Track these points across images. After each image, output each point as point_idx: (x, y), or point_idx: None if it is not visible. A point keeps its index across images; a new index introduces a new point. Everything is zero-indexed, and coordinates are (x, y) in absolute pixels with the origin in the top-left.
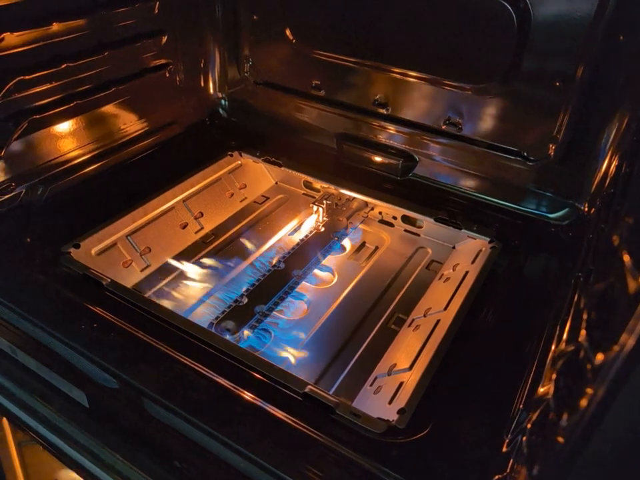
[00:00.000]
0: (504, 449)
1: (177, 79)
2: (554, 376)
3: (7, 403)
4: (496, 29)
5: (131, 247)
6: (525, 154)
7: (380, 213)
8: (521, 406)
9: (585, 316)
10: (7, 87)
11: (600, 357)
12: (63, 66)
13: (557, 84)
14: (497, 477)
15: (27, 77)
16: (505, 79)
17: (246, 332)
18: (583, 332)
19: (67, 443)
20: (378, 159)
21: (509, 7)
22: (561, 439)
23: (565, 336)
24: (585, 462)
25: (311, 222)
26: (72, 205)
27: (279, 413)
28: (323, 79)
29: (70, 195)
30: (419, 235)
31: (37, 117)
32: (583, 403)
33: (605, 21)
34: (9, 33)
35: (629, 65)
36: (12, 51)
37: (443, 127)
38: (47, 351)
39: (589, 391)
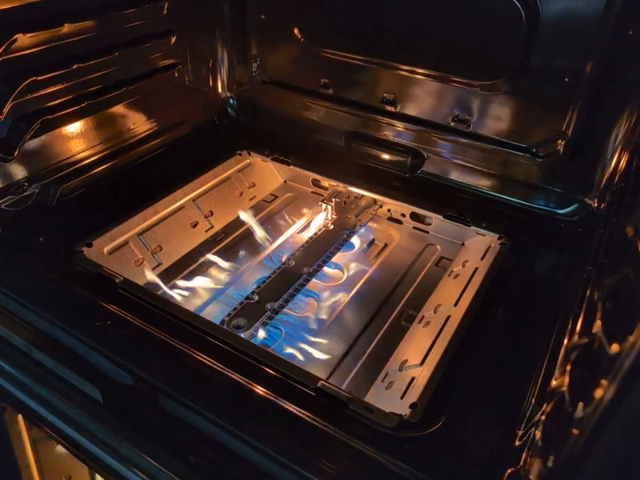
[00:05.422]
0: (516, 442)
1: (186, 78)
2: (568, 367)
3: (24, 397)
4: (504, 25)
5: (142, 245)
6: (534, 150)
7: (389, 210)
8: (533, 399)
9: (599, 307)
10: (20, 87)
11: (615, 347)
12: (74, 67)
13: (566, 80)
14: (510, 469)
15: (39, 78)
16: (514, 75)
17: (257, 328)
18: (598, 323)
19: (84, 436)
20: (386, 156)
21: (518, 4)
22: (575, 431)
23: (578, 329)
24: (599, 453)
25: (320, 220)
26: (84, 204)
27: (293, 408)
28: (331, 77)
29: (82, 195)
30: (427, 232)
31: (49, 117)
32: (598, 393)
33: (614, 16)
34: (21, 34)
35: (639, 60)
36: (24, 52)
37: (452, 124)
38: (61, 348)
39: (604, 382)
